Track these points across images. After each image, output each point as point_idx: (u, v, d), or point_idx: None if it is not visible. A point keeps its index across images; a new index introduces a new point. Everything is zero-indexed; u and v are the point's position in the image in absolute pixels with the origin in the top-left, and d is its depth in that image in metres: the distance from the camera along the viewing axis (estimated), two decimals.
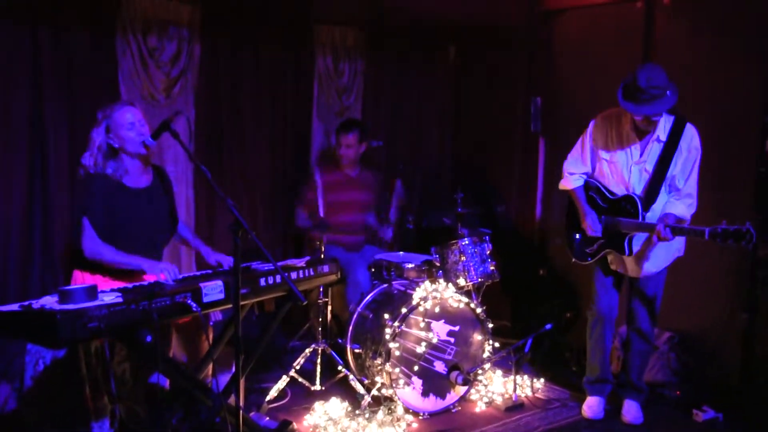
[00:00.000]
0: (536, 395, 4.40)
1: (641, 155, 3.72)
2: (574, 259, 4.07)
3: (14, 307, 2.61)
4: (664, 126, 3.67)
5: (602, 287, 4.00)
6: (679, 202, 3.66)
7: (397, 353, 3.93)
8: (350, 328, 4.32)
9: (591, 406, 4.05)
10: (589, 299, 4.12)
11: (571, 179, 3.96)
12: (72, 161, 4.25)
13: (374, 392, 4.01)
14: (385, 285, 4.42)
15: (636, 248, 3.74)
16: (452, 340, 4.11)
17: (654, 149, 3.68)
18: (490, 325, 4.23)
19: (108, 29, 4.39)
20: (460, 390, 4.16)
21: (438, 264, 4.51)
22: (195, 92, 4.82)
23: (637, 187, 3.74)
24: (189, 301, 2.87)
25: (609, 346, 4.06)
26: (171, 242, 3.75)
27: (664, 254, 3.78)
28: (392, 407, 3.93)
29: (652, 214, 3.68)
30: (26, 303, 2.61)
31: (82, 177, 3.32)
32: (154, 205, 3.47)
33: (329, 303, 4.51)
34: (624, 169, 3.76)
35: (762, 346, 4.13)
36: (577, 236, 4.00)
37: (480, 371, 4.21)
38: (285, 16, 5.16)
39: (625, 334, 4.10)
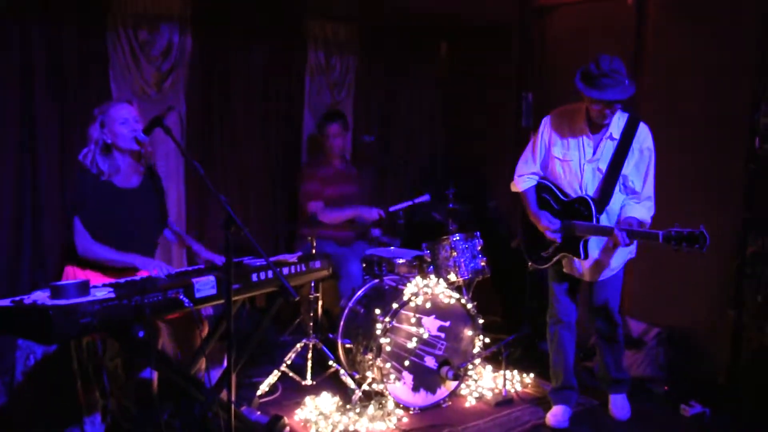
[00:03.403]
0: (526, 390, 4.43)
1: (594, 153, 3.64)
2: (530, 264, 4.01)
3: (5, 302, 2.60)
4: (617, 124, 3.60)
5: (559, 291, 3.94)
6: (639, 206, 3.59)
7: (388, 348, 3.94)
8: (341, 323, 4.33)
9: (555, 414, 3.94)
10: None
11: (520, 181, 3.88)
12: (62, 156, 4.25)
13: (365, 387, 4.03)
14: (376, 280, 4.43)
15: (592, 252, 3.68)
16: (443, 335, 4.13)
17: (607, 147, 3.61)
18: (481, 321, 4.25)
19: (98, 23, 4.37)
20: (451, 385, 4.18)
21: (429, 260, 4.52)
22: (186, 86, 4.81)
23: (590, 187, 3.66)
24: (181, 297, 2.87)
25: (571, 351, 3.99)
26: (162, 241, 3.75)
27: (617, 258, 3.74)
28: (383, 402, 3.95)
29: (607, 217, 3.63)
30: (18, 298, 2.60)
31: (81, 167, 3.34)
32: (144, 206, 3.48)
33: (320, 298, 4.52)
34: (577, 168, 3.68)
35: (749, 342, 4.16)
36: (532, 240, 3.92)
37: (470, 366, 4.24)
38: (277, 10, 5.14)
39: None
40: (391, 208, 4.96)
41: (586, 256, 3.66)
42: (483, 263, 4.58)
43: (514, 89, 5.75)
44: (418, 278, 4.21)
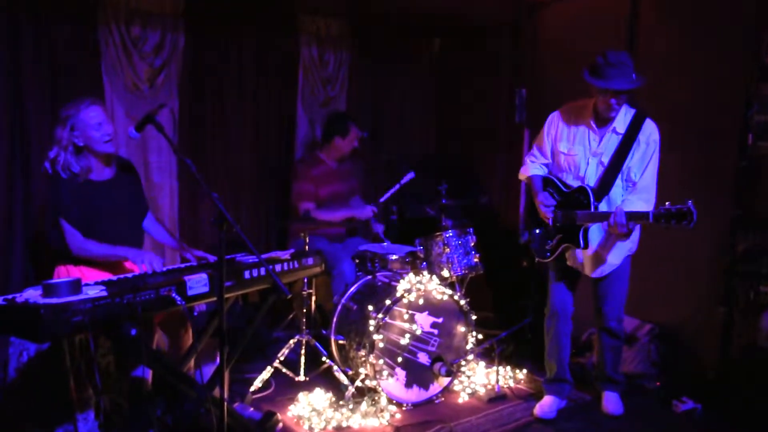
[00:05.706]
0: (518, 386, 4.44)
1: (599, 145, 3.71)
2: (537, 258, 4.02)
3: None
4: (623, 119, 3.68)
5: (556, 285, 3.97)
6: (635, 198, 3.62)
7: (381, 345, 3.95)
8: (334, 319, 4.33)
9: (542, 405, 4.00)
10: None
11: (531, 166, 3.95)
12: None
13: (358, 383, 4.04)
14: (369, 276, 4.43)
15: (592, 242, 3.73)
16: (436, 331, 4.14)
17: (611, 141, 3.68)
18: (474, 317, 4.26)
19: (90, 19, 4.36)
20: (444, 381, 4.19)
21: (422, 256, 4.52)
22: (178, 82, 4.80)
23: (592, 179, 3.71)
24: (174, 295, 2.87)
25: (566, 343, 4.03)
26: (153, 243, 3.76)
27: (617, 252, 3.78)
28: (376, 398, 3.96)
29: (607, 206, 3.66)
30: (10, 297, 2.60)
31: (49, 174, 3.33)
32: (123, 194, 3.52)
33: (313, 294, 4.52)
34: (582, 161, 3.75)
35: (739, 338, 4.18)
36: (537, 231, 3.95)
37: (463, 362, 4.25)
38: (270, 6, 5.13)
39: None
40: (382, 198, 4.96)
41: (586, 246, 3.70)
42: (476, 259, 4.59)
43: (507, 84, 5.76)
44: (411, 274, 4.21)
